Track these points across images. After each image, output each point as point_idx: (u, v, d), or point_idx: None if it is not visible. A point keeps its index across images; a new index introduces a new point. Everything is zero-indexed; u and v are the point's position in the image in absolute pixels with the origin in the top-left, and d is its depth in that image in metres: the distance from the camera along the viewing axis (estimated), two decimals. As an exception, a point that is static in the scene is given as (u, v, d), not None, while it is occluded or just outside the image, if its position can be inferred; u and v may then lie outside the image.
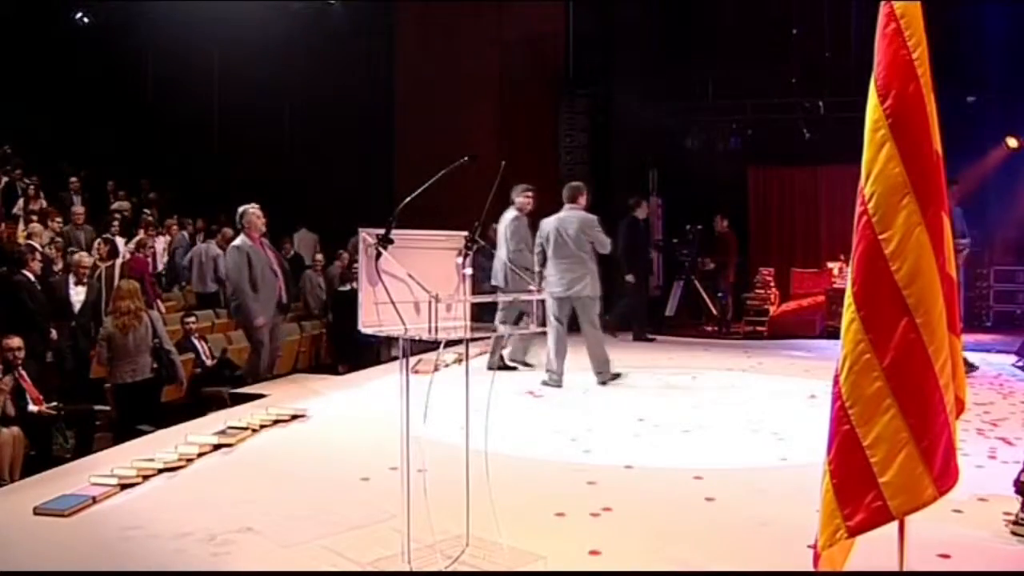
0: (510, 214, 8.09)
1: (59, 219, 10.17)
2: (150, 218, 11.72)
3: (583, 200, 7.63)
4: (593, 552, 3.50)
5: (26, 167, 12.15)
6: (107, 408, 7.02)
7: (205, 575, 3.35)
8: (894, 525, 2.71)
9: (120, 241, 10.71)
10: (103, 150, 13.58)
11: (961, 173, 8.74)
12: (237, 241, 7.60)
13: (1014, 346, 9.18)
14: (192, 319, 8.58)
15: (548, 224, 7.57)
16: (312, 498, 4.23)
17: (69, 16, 14.13)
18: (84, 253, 8.67)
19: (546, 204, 12.72)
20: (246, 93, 14.18)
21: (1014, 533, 3.66)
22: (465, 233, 3.51)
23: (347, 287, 10.34)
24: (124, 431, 6.46)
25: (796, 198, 14.43)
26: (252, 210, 7.55)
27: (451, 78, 13.14)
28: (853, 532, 2.63)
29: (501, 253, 8.16)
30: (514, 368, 8.29)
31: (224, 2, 12.94)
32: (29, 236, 8.97)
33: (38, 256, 7.97)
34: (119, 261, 9.95)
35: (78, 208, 10.77)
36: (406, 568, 3.20)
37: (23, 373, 6.47)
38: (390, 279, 3.14)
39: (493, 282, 8.30)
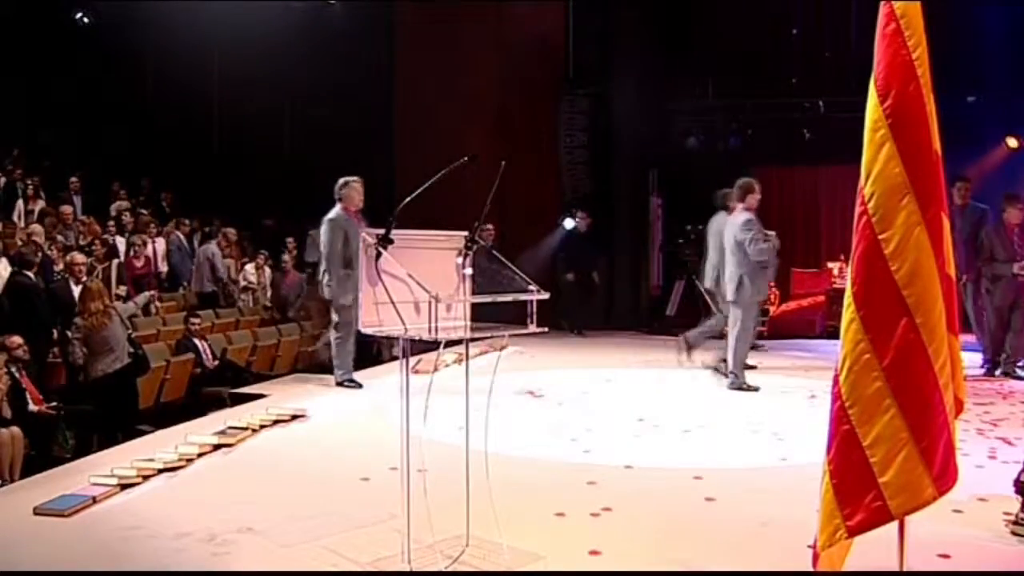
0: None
1: (53, 219, 10.19)
2: (148, 218, 11.72)
3: (745, 200, 7.37)
4: (593, 552, 3.50)
5: (26, 167, 12.15)
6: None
7: (205, 575, 3.35)
8: (894, 525, 2.71)
9: (120, 241, 10.75)
10: (103, 150, 13.57)
11: (961, 173, 8.73)
12: (332, 213, 7.24)
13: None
14: (196, 320, 8.60)
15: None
16: (312, 498, 4.24)
17: (69, 16, 14.12)
18: (76, 252, 8.67)
19: (548, 200, 12.79)
20: (246, 93, 14.17)
21: (1014, 533, 3.66)
22: (465, 233, 3.51)
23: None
24: (108, 428, 6.47)
25: (796, 198, 14.40)
26: (354, 183, 7.31)
27: (451, 78, 13.13)
28: (853, 532, 2.63)
29: (714, 257, 7.94)
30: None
31: (224, 2, 12.94)
32: (31, 236, 8.97)
33: (38, 258, 7.97)
34: (116, 261, 10.00)
35: (67, 208, 10.77)
36: (406, 568, 3.20)
37: (24, 373, 6.49)
38: (390, 279, 3.14)
39: (706, 284, 8.23)
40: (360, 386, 7.30)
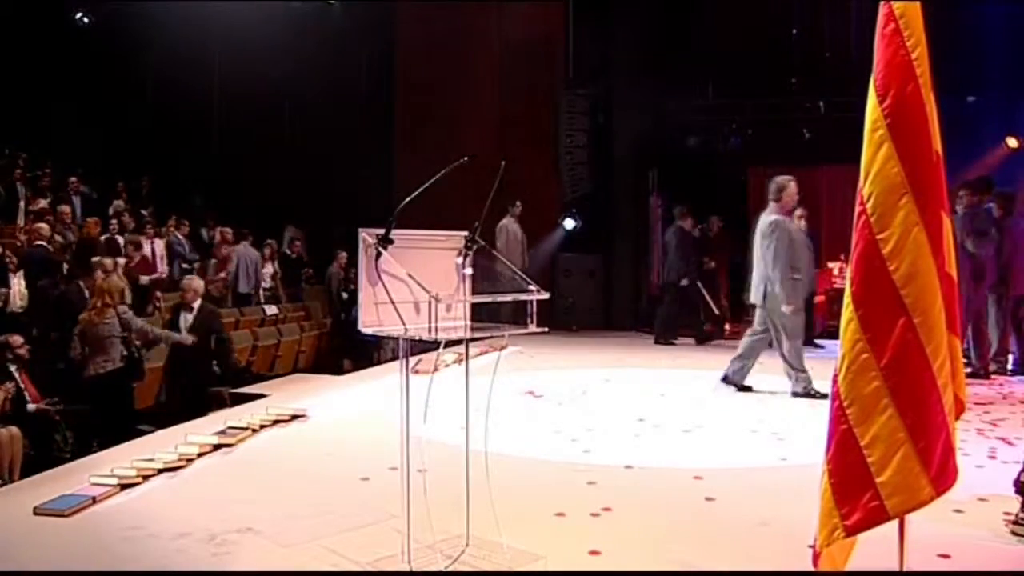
0: None
1: (49, 217, 10.18)
2: (147, 219, 11.73)
3: None
4: (593, 552, 3.49)
5: (26, 168, 12.15)
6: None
7: (205, 575, 3.35)
8: (894, 525, 2.70)
9: (121, 241, 10.76)
10: (102, 150, 13.58)
11: (961, 173, 8.73)
12: (774, 216, 6.70)
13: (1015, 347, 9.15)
14: None
15: None
16: (312, 498, 4.23)
17: (69, 16, 14.13)
18: (194, 278, 8.64)
19: (548, 200, 12.79)
20: (246, 93, 14.19)
21: (1014, 533, 3.66)
22: (465, 233, 3.51)
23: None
24: (103, 428, 6.48)
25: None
26: (791, 183, 6.74)
27: (451, 77, 13.15)
28: (850, 531, 2.63)
29: None
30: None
31: (224, 2, 12.95)
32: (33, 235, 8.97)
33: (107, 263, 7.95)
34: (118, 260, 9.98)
35: (65, 208, 10.77)
36: (406, 568, 3.20)
37: (24, 372, 6.49)
38: (390, 279, 3.14)
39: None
40: (825, 396, 6.68)
